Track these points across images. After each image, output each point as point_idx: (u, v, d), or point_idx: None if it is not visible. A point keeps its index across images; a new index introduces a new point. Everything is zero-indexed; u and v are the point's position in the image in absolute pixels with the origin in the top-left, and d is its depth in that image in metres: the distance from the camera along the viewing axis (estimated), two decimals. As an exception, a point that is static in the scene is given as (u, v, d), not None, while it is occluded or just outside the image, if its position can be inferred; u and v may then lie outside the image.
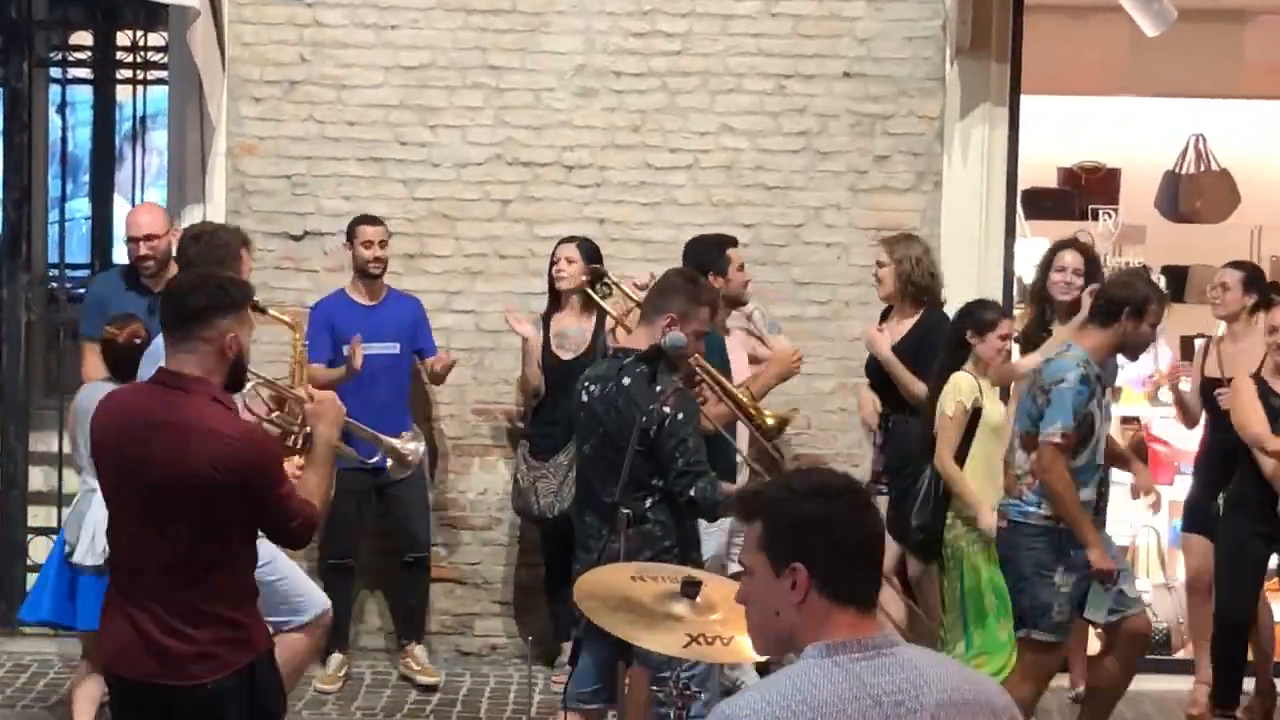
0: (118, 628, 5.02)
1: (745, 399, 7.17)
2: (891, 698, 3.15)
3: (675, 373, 6.36)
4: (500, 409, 9.34)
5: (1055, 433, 6.89)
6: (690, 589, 4.77)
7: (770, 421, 7.14)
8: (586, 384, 6.46)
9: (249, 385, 5.59)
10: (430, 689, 8.80)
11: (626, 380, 6.26)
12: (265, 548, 5.57)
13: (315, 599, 6.68)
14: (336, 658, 8.80)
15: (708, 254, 7.97)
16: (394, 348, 8.69)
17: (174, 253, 7.89)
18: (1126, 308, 7.05)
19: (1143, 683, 8.31)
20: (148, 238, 8.04)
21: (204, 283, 5.14)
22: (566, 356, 8.62)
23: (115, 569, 5.10)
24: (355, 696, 8.64)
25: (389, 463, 6.27)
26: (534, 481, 8.71)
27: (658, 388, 6.13)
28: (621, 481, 5.74)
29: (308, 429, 5.38)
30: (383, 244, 8.77)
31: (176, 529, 4.85)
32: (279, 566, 6.40)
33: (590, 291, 8.44)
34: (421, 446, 6.34)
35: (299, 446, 5.50)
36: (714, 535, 7.42)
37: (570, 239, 8.80)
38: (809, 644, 3.23)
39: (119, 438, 4.97)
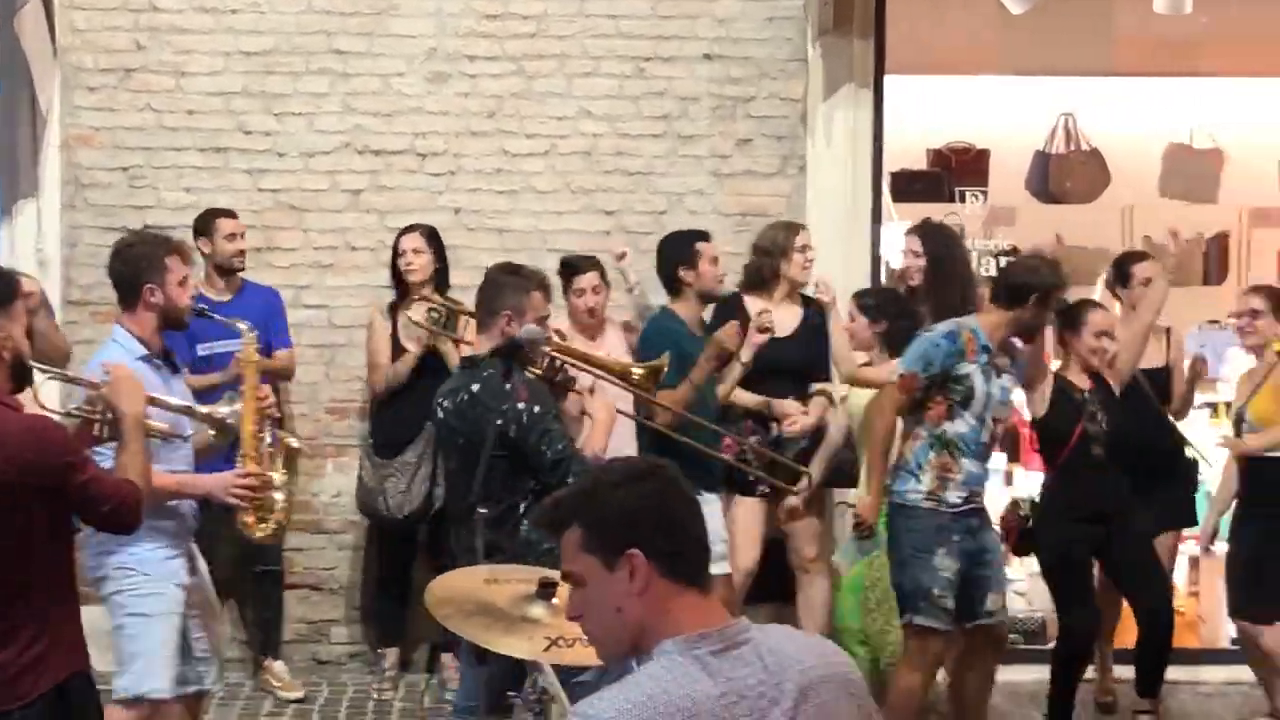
0: None
1: (610, 361, 7.23)
2: (755, 689, 3.18)
3: (528, 366, 6.40)
4: (354, 407, 9.31)
5: (896, 370, 7.23)
6: (546, 590, 4.77)
7: (640, 372, 7.22)
8: (440, 400, 6.48)
9: (38, 381, 5.51)
10: (293, 702, 8.79)
11: (475, 387, 6.30)
12: (145, 604, 5.71)
13: (156, 680, 6.50)
14: None
15: (676, 247, 8.14)
16: (239, 345, 8.61)
17: None
18: (1035, 295, 7.25)
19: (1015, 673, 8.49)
20: None
21: None
22: (415, 350, 8.61)
23: None
24: (206, 710, 8.56)
25: (212, 434, 6.20)
26: (381, 481, 8.68)
27: (508, 386, 6.16)
28: (477, 483, 5.76)
29: (109, 415, 5.33)
30: (242, 236, 8.76)
31: None
32: (140, 628, 6.31)
33: (423, 324, 8.38)
34: (238, 407, 6.24)
35: (104, 435, 5.42)
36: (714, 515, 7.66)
37: (412, 228, 8.80)
38: (661, 637, 3.22)
39: None
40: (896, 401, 7.19)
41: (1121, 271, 8.77)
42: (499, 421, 6.09)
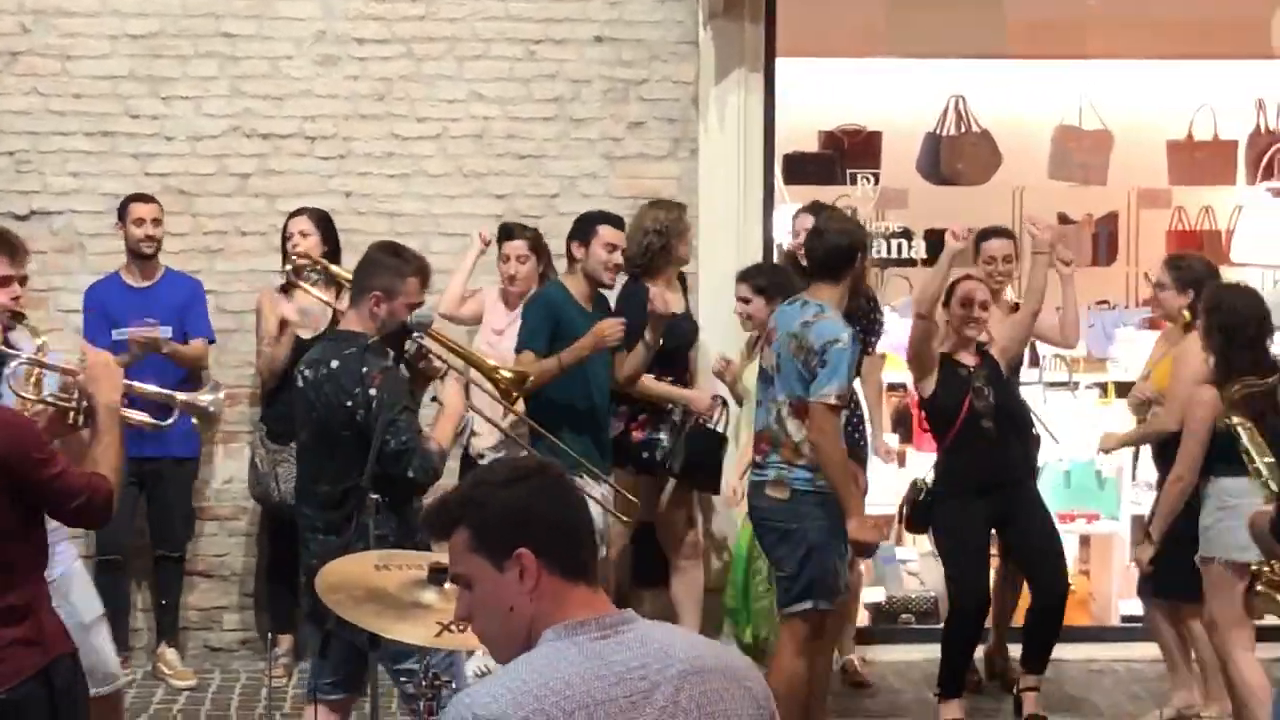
0: None
1: (478, 357, 7.26)
2: (634, 673, 3.21)
3: (399, 350, 6.43)
4: (245, 393, 9.29)
5: (830, 394, 6.99)
6: (438, 576, 4.77)
7: (507, 375, 7.17)
8: (301, 369, 6.43)
9: (12, 365, 5.49)
10: (185, 690, 8.76)
11: (335, 364, 6.26)
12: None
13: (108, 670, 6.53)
14: None
15: (581, 222, 8.11)
16: (165, 331, 8.60)
17: None
18: (859, 253, 7.31)
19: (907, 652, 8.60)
20: None
21: None
22: (306, 335, 8.59)
23: None
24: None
25: (194, 421, 6.13)
26: (274, 466, 8.69)
27: (365, 369, 6.17)
28: (369, 466, 5.76)
29: (84, 402, 5.29)
30: (155, 222, 8.72)
31: None
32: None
33: (299, 282, 8.36)
34: (220, 395, 6.15)
35: (79, 423, 5.38)
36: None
37: (300, 211, 8.79)
38: (546, 629, 3.26)
39: None
40: (838, 423, 7.09)
41: (976, 248, 8.86)
42: (348, 404, 6.14)
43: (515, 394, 7.23)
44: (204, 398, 6.05)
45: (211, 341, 8.91)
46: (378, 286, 6.35)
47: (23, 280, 6.17)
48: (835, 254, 7.22)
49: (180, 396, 6.01)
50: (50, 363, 5.65)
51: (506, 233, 8.71)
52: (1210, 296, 7.48)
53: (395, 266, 6.41)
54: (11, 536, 4.81)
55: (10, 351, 5.58)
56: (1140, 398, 8.31)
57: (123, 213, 8.77)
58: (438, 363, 6.67)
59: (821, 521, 7.16)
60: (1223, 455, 7.28)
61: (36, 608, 4.91)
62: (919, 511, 8.32)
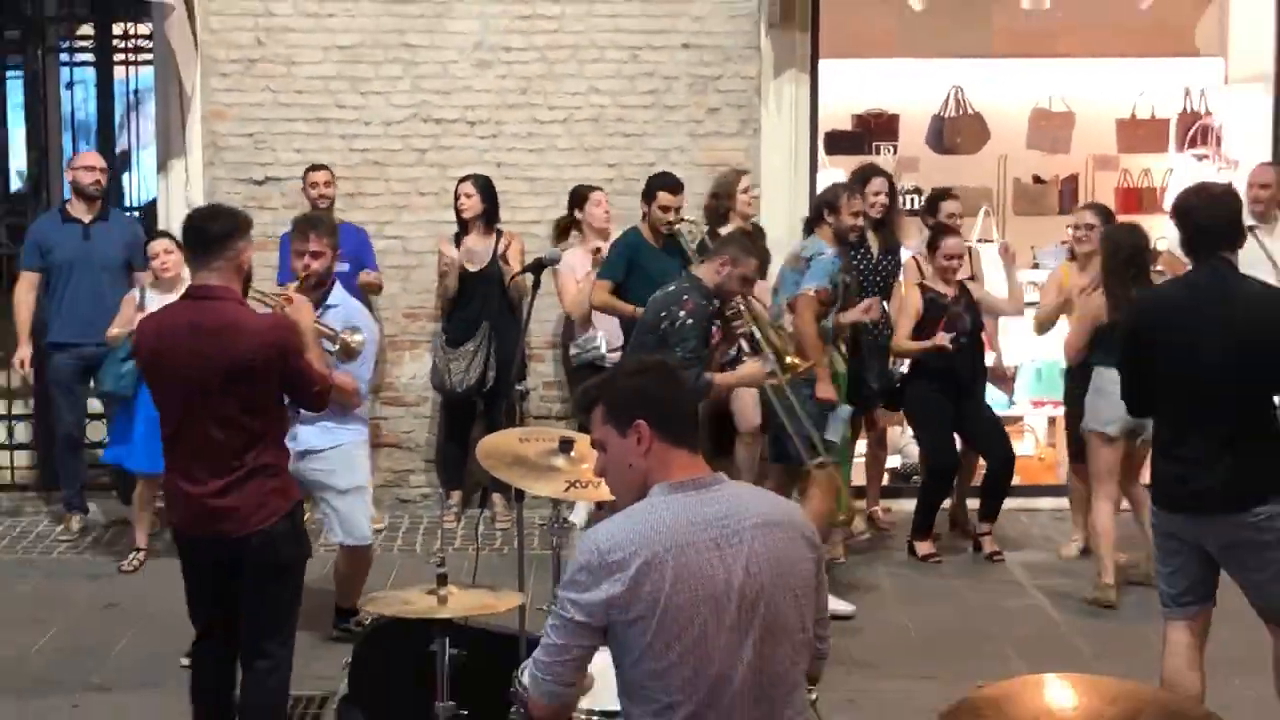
0: (182, 500, 4.93)
1: (776, 338, 6.99)
2: (719, 522, 3.29)
3: (723, 303, 6.52)
4: (425, 312, 9.36)
5: (811, 288, 7.06)
6: (566, 445, 4.83)
7: (793, 361, 6.91)
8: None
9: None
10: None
11: (670, 288, 6.51)
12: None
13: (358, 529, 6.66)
14: None
15: (646, 188, 8.23)
16: (345, 268, 8.62)
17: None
18: (824, 208, 7.38)
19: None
20: (88, 168, 8.32)
21: (218, 213, 5.07)
22: (473, 269, 8.69)
23: (170, 455, 4.95)
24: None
25: (336, 347, 6.23)
26: (448, 364, 8.78)
27: (684, 295, 6.32)
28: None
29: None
30: (328, 184, 8.68)
31: (226, 410, 4.78)
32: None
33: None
34: (360, 336, 6.21)
35: None
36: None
37: (467, 177, 8.80)
38: (656, 484, 3.35)
39: (164, 344, 4.86)
40: (816, 311, 7.06)
41: (931, 206, 8.83)
42: (661, 314, 6.32)
43: (787, 375, 6.91)
44: (355, 338, 6.15)
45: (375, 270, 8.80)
46: (730, 253, 6.52)
47: (314, 255, 6.29)
48: (826, 203, 7.41)
49: (340, 335, 6.11)
50: (266, 292, 5.84)
51: (584, 188, 8.71)
52: (1107, 232, 7.58)
53: (747, 246, 6.64)
54: (268, 412, 4.92)
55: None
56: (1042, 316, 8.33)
57: (304, 178, 8.71)
58: (744, 327, 6.70)
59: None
60: (1101, 348, 7.28)
61: (284, 465, 5.02)
62: (893, 396, 8.36)
